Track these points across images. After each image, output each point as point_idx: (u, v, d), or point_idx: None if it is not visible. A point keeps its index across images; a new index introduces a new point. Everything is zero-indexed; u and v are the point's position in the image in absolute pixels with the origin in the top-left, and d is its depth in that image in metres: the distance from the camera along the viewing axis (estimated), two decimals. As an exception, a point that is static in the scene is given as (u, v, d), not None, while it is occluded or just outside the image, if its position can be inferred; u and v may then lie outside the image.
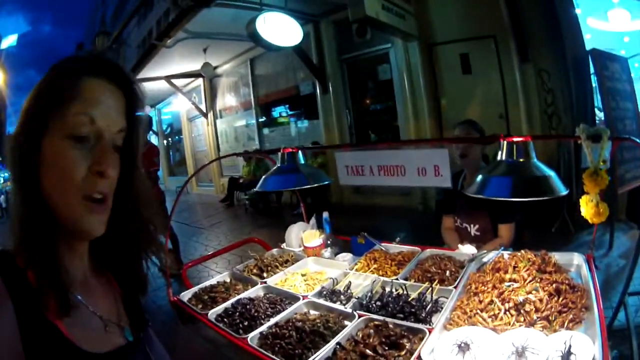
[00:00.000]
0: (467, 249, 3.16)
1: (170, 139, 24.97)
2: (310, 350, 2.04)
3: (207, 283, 3.12)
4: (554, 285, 2.15)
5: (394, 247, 3.34)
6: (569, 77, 8.02)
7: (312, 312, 2.54)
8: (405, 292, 2.46)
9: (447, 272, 2.70)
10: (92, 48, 15.64)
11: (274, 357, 2.02)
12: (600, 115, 8.30)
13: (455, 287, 2.47)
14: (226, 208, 14.50)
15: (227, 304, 2.67)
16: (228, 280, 3.22)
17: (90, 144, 1.02)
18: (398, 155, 3.16)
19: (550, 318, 1.95)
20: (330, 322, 2.26)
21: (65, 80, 1.03)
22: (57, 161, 1.00)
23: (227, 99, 16.88)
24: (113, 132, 1.06)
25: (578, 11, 8.34)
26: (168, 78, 15.70)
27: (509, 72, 8.51)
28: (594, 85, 7.92)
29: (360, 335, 2.08)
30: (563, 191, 1.85)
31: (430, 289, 2.42)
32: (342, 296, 2.57)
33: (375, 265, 3.00)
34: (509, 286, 2.23)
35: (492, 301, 2.14)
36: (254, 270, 3.26)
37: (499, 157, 2.03)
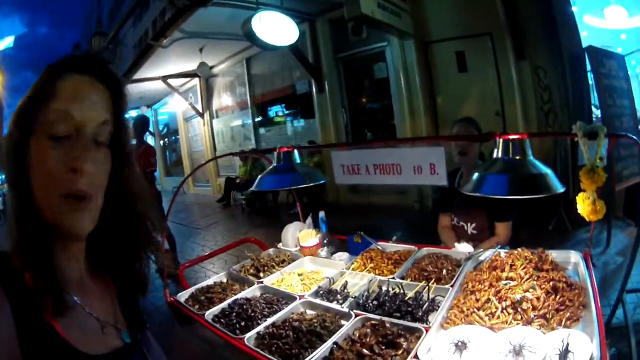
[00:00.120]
0: (463, 248, 3.16)
1: (166, 139, 24.98)
2: (307, 350, 2.03)
3: (204, 283, 3.12)
4: (551, 283, 2.15)
5: (391, 246, 3.34)
6: (565, 74, 8.03)
7: (308, 311, 2.54)
8: (401, 291, 2.45)
9: (444, 271, 2.69)
10: (88, 48, 15.61)
11: (271, 357, 2.01)
12: (597, 112, 8.31)
13: (452, 286, 2.46)
14: (223, 208, 14.47)
15: (224, 304, 2.67)
16: (225, 280, 3.21)
17: (71, 142, 1.01)
18: (394, 154, 3.15)
19: (547, 316, 1.94)
20: (327, 321, 2.26)
21: (47, 80, 1.03)
22: (39, 161, 1.00)
23: (223, 99, 16.87)
24: (94, 126, 1.04)
25: (574, 9, 8.35)
26: (164, 78, 15.67)
27: (505, 69, 8.51)
28: (590, 82, 7.93)
29: (357, 335, 2.07)
30: (559, 189, 1.85)
31: (427, 287, 2.43)
32: (338, 295, 2.57)
33: (371, 265, 3.00)
34: (506, 284, 2.23)
35: (489, 299, 2.14)
36: (251, 270, 3.26)
37: (495, 155, 2.03)
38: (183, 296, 2.94)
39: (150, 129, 13.72)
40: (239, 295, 2.78)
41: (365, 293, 2.53)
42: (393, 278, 2.70)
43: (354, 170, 3.35)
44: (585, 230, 6.27)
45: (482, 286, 2.30)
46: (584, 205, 2.32)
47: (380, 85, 10.89)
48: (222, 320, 2.48)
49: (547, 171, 1.90)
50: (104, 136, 1.07)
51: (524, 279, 2.25)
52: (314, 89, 12.03)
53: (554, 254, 2.55)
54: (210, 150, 17.86)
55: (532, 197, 1.85)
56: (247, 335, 2.23)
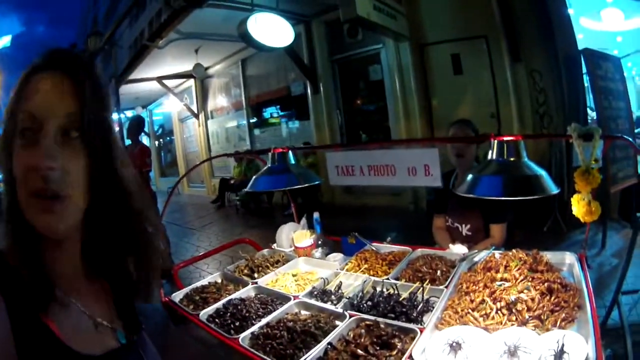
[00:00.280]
0: (458, 249, 3.17)
1: (161, 140, 24.97)
2: (302, 350, 2.03)
3: (198, 284, 3.11)
4: (545, 285, 2.15)
5: (385, 247, 3.34)
6: (561, 77, 8.05)
7: (303, 312, 2.54)
8: (396, 292, 2.45)
9: (438, 272, 2.70)
10: (85, 48, 15.56)
11: (265, 357, 2.01)
12: (592, 114, 8.34)
13: (446, 287, 2.47)
14: (217, 209, 14.45)
15: (219, 304, 2.67)
16: (219, 280, 3.21)
17: (37, 139, 0.98)
18: (388, 155, 3.16)
19: (542, 317, 1.95)
20: (321, 322, 2.26)
21: (20, 82, 1.03)
22: (15, 161, 0.99)
23: (218, 100, 16.85)
24: (58, 120, 1.00)
25: (571, 11, 8.38)
26: (160, 79, 15.67)
27: (501, 72, 8.52)
28: (586, 85, 7.95)
29: (352, 335, 2.07)
30: (554, 190, 1.85)
31: (422, 288, 2.42)
32: (333, 296, 2.57)
33: (366, 265, 3.00)
34: (501, 285, 2.23)
35: (483, 300, 2.14)
36: (245, 271, 3.26)
37: (489, 157, 2.03)
38: (178, 296, 2.93)
39: (146, 129, 13.73)
40: (233, 296, 2.77)
41: (360, 294, 2.53)
42: (387, 279, 2.70)
43: (349, 172, 3.36)
44: (581, 232, 6.30)
45: (477, 287, 2.30)
46: (579, 206, 2.33)
47: (375, 87, 10.90)
48: (216, 320, 2.48)
49: (542, 173, 1.90)
50: (73, 126, 1.02)
51: (519, 280, 2.25)
52: (309, 91, 12.02)
53: (549, 256, 2.55)
54: (205, 151, 17.84)
55: (526, 198, 1.86)
56: (242, 335, 2.23)
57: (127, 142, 7.49)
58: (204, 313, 2.58)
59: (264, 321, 2.37)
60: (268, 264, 3.34)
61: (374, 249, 3.30)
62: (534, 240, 3.56)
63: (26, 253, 0.99)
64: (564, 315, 1.94)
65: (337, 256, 3.34)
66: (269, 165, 2.94)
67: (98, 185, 1.06)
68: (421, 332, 2.00)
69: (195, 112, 17.71)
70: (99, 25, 20.90)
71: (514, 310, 2.01)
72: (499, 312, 2.03)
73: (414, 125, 9.79)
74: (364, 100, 11.59)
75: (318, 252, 3.45)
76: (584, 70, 7.54)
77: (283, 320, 2.33)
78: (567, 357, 1.62)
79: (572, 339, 1.70)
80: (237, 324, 2.40)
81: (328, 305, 2.47)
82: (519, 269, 2.37)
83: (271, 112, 14.62)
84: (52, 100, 1.00)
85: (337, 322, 2.29)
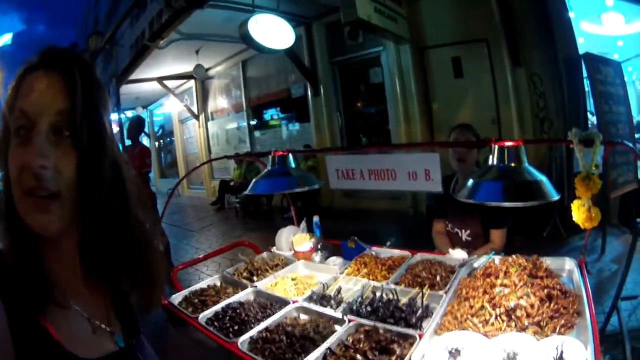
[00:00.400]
0: (458, 254, 3.16)
1: (161, 141, 24.96)
2: (301, 354, 2.03)
3: (197, 286, 3.10)
4: (545, 291, 2.14)
5: (385, 252, 3.34)
6: (561, 81, 8.07)
7: (302, 316, 2.53)
8: (395, 297, 2.44)
9: (438, 277, 2.69)
10: (86, 48, 15.55)
11: (263, 362, 2.01)
12: (592, 119, 8.34)
13: (445, 292, 2.46)
14: (217, 211, 14.46)
15: (218, 307, 2.66)
16: (218, 283, 3.20)
17: (30, 138, 0.98)
18: (389, 159, 3.16)
19: (541, 323, 1.94)
20: (320, 326, 2.25)
21: (16, 80, 1.03)
22: (10, 159, 0.98)
23: (218, 101, 16.88)
24: (49, 118, 0.99)
25: (571, 15, 8.38)
26: (160, 79, 15.70)
27: (501, 76, 8.53)
28: (586, 89, 7.95)
29: (351, 340, 2.07)
30: (555, 196, 1.85)
31: (421, 294, 2.41)
32: (332, 301, 2.56)
33: (365, 270, 2.99)
34: (500, 291, 2.23)
35: (483, 306, 2.14)
36: (244, 274, 3.25)
37: (490, 162, 2.03)
38: (177, 298, 2.92)
39: (146, 130, 13.73)
40: (232, 299, 2.76)
41: (359, 298, 2.52)
42: (387, 284, 2.69)
43: (349, 175, 3.35)
44: (580, 238, 6.30)
45: (476, 293, 2.30)
46: (579, 212, 2.32)
47: (376, 90, 10.92)
48: (215, 323, 2.47)
49: (542, 178, 1.90)
50: (64, 128, 1.01)
51: (518, 286, 2.25)
52: (309, 93, 12.04)
53: (549, 261, 2.56)
54: (205, 152, 17.86)
55: (527, 204, 1.85)
56: (241, 339, 2.22)
57: (128, 142, 7.50)
58: (203, 316, 2.57)
59: (262, 325, 2.36)
60: (267, 268, 3.33)
61: (373, 253, 3.29)
62: (533, 245, 3.54)
63: (23, 253, 0.99)
64: (563, 321, 1.93)
65: (336, 260, 3.33)
66: (269, 168, 2.94)
67: (91, 184, 1.04)
68: (420, 337, 2.00)
69: (196, 113, 17.75)
70: (100, 25, 20.96)
71: (513, 316, 2.00)
72: (498, 318, 2.03)
73: (414, 129, 9.81)
74: (364, 103, 11.61)
75: (317, 256, 3.45)
76: (585, 74, 7.54)
77: (282, 325, 2.33)
78: (566, 364, 1.62)
79: (571, 345, 1.70)
80: (236, 327, 2.39)
81: (327, 310, 2.46)
82: (518, 274, 2.37)
83: (271, 114, 14.63)
84: (45, 98, 1.00)
85: (336, 327, 2.28)
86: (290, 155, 2.94)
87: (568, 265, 2.63)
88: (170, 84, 16.71)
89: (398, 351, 1.92)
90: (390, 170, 3.11)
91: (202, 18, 9.56)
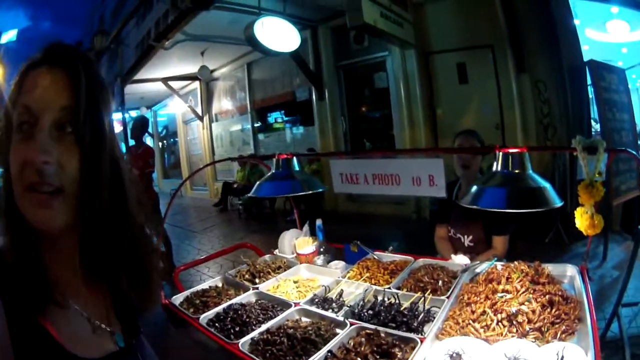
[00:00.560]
0: (460, 259, 3.16)
1: (165, 142, 24.97)
2: (302, 357, 2.03)
3: (199, 287, 3.11)
4: (547, 297, 2.15)
5: (387, 256, 3.33)
6: (565, 88, 8.06)
7: (303, 319, 2.53)
8: (397, 301, 2.45)
9: (440, 282, 2.69)
10: (91, 47, 15.56)
11: (264, 363, 2.01)
12: (596, 126, 8.33)
13: (447, 297, 2.46)
14: (219, 212, 14.45)
15: (219, 308, 2.66)
16: (220, 285, 3.20)
17: (33, 134, 0.98)
18: (393, 164, 3.16)
19: (542, 329, 1.94)
20: (321, 329, 2.25)
21: (19, 76, 1.03)
22: (12, 155, 0.98)
23: (223, 103, 16.89)
24: (52, 114, 0.99)
25: (576, 22, 8.38)
26: (165, 80, 15.71)
27: (506, 82, 8.54)
28: (590, 96, 7.95)
29: (352, 344, 2.07)
30: (558, 203, 1.86)
31: (423, 298, 2.42)
32: (334, 304, 2.56)
33: (367, 274, 2.99)
34: (502, 297, 2.23)
35: (484, 312, 2.14)
36: (246, 276, 3.25)
37: (494, 168, 2.03)
38: (178, 299, 2.93)
39: (150, 130, 13.76)
40: (234, 300, 2.77)
41: (361, 302, 2.53)
42: (389, 288, 2.69)
43: (353, 180, 3.35)
44: (582, 244, 6.28)
45: (478, 298, 2.30)
46: (582, 219, 2.32)
47: (380, 94, 10.92)
48: (216, 324, 2.47)
49: (546, 185, 1.91)
50: (67, 124, 1.01)
51: (520, 292, 2.25)
52: (314, 96, 12.06)
53: (551, 268, 2.56)
54: (208, 154, 17.87)
55: (530, 210, 1.86)
56: (242, 340, 2.23)
57: (131, 142, 7.50)
58: (204, 317, 2.57)
59: (264, 327, 2.36)
60: (269, 270, 3.33)
61: (376, 257, 3.28)
62: (535, 251, 3.54)
63: (23, 251, 0.99)
64: (564, 327, 1.94)
65: (339, 264, 3.33)
66: (274, 171, 2.93)
67: (93, 181, 1.04)
68: (422, 342, 2.00)
69: (200, 114, 17.76)
70: (105, 23, 20.91)
71: (514, 322, 2.00)
72: (499, 323, 2.03)
73: (418, 134, 9.82)
74: (368, 107, 11.62)
75: (320, 260, 3.45)
76: (589, 81, 7.54)
77: (283, 327, 2.33)
78: (567, 370, 1.62)
79: (572, 351, 1.70)
80: (237, 329, 2.39)
81: (329, 313, 2.46)
82: (520, 280, 2.37)
83: (276, 117, 14.64)
84: (48, 94, 1.00)
85: (337, 330, 2.28)
86: (295, 159, 2.93)
87: (570, 271, 2.63)
88: (174, 84, 16.73)
89: (399, 355, 1.92)
90: (394, 175, 3.11)
91: (208, 19, 9.59)
